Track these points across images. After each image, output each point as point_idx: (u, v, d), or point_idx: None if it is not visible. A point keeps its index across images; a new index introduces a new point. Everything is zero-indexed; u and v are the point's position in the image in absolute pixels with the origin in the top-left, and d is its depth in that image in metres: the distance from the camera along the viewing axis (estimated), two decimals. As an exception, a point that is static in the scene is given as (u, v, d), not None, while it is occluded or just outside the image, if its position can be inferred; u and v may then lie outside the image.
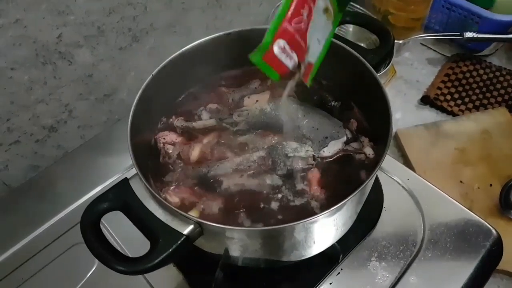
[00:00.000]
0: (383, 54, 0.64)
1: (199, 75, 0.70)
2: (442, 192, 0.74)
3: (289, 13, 0.42)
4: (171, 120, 0.67)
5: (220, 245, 0.54)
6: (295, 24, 0.43)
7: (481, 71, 1.06)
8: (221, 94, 0.70)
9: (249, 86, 0.70)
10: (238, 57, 0.71)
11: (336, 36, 0.65)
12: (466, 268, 0.66)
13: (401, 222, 0.71)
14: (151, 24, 0.84)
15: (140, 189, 0.50)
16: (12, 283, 0.69)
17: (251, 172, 0.59)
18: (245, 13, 1.02)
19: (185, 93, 0.71)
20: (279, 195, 0.57)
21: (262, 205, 0.56)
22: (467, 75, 1.05)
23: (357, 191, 0.48)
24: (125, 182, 0.51)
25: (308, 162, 0.59)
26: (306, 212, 0.55)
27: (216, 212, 0.56)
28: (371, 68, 0.59)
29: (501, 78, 1.05)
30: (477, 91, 1.02)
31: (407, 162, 0.88)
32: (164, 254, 0.46)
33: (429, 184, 0.76)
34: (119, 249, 0.69)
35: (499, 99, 1.00)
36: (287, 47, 0.43)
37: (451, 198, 0.74)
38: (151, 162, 0.62)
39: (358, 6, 1.06)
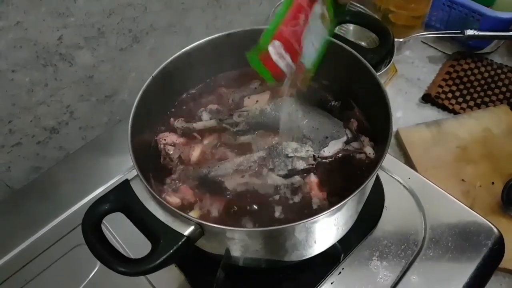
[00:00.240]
0: (382, 53, 0.64)
1: (199, 75, 0.71)
2: (443, 191, 0.74)
3: (287, 16, 0.44)
4: (171, 121, 0.67)
5: (221, 246, 0.55)
6: (291, 27, 0.45)
7: (482, 69, 1.06)
8: (221, 95, 0.70)
9: (249, 87, 0.70)
10: (238, 57, 0.71)
11: (336, 36, 0.65)
12: (467, 267, 0.66)
13: (402, 221, 0.71)
14: (151, 24, 0.84)
15: (141, 190, 0.51)
16: (15, 284, 0.70)
17: (252, 172, 0.59)
18: (245, 13, 1.02)
19: (185, 93, 0.71)
20: (280, 195, 0.57)
21: (262, 206, 0.56)
22: (468, 73, 1.05)
23: (357, 191, 0.48)
24: (126, 184, 0.51)
25: (309, 162, 0.59)
26: (307, 212, 0.56)
27: (216, 212, 0.56)
28: (370, 67, 0.59)
29: (503, 76, 1.04)
30: (479, 89, 1.02)
31: (408, 161, 0.88)
32: (165, 255, 0.46)
33: (430, 183, 0.76)
34: (121, 250, 0.69)
35: (501, 96, 1.00)
36: (281, 48, 0.45)
37: (452, 197, 0.73)
38: (152, 163, 0.63)
39: (359, 5, 1.06)
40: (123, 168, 0.82)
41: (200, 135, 0.65)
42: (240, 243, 0.53)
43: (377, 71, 0.60)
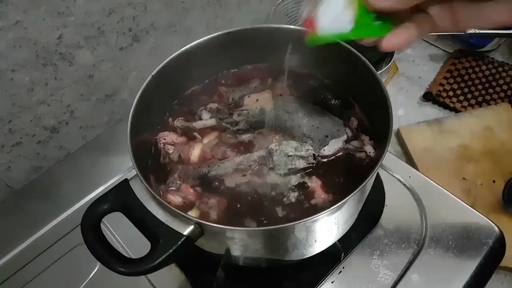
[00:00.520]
0: (382, 52, 0.64)
1: (199, 74, 0.70)
2: (444, 190, 0.74)
3: None
4: (171, 120, 0.67)
5: (221, 245, 0.54)
6: None
7: (484, 67, 1.06)
8: (221, 94, 0.70)
9: (249, 85, 0.69)
10: (238, 56, 0.71)
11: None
12: (468, 266, 0.66)
13: (403, 220, 0.71)
14: (151, 23, 0.84)
15: (140, 190, 0.50)
16: (15, 284, 0.70)
17: (252, 171, 0.59)
18: (245, 11, 1.02)
19: (185, 93, 0.71)
20: (280, 194, 0.57)
21: (262, 205, 0.56)
22: (470, 71, 1.05)
23: (357, 190, 0.48)
24: (125, 183, 0.51)
25: (309, 161, 0.59)
26: (307, 211, 0.55)
27: (216, 212, 0.56)
28: (370, 65, 0.59)
29: (504, 74, 1.04)
30: (480, 87, 1.02)
31: (409, 160, 0.88)
32: (165, 255, 0.46)
33: (431, 181, 0.75)
34: (121, 249, 0.69)
35: (502, 94, 1.00)
36: None
37: (453, 196, 0.73)
38: (151, 162, 0.63)
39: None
40: (123, 167, 0.82)
41: (200, 134, 0.65)
42: (240, 242, 0.52)
43: (378, 70, 0.60)
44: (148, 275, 0.67)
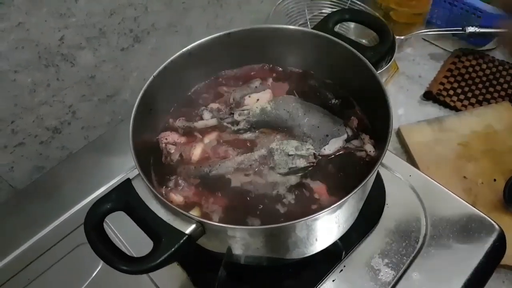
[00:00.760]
0: (382, 52, 0.64)
1: (200, 74, 0.71)
2: (445, 188, 0.74)
3: None
4: (172, 120, 0.67)
5: (223, 244, 0.55)
6: None
7: (484, 66, 1.06)
8: (222, 94, 0.71)
9: (249, 85, 0.70)
10: (238, 56, 0.71)
11: (337, 34, 0.65)
12: (469, 264, 0.66)
13: (404, 218, 0.71)
14: (152, 24, 0.84)
15: (142, 189, 0.51)
16: (19, 283, 0.70)
17: (253, 171, 0.59)
18: (245, 11, 1.02)
19: (186, 93, 0.71)
20: (280, 194, 0.57)
21: (263, 204, 0.56)
22: (470, 69, 1.05)
23: (357, 189, 0.48)
24: (127, 183, 0.52)
25: (309, 160, 0.59)
26: (308, 210, 0.56)
27: (217, 211, 0.56)
28: (370, 65, 0.59)
29: (504, 73, 1.04)
30: (480, 85, 1.02)
31: (410, 158, 0.88)
32: (167, 254, 0.46)
33: (431, 180, 0.76)
34: (123, 248, 0.70)
35: (502, 93, 1.00)
36: None
37: (453, 194, 0.73)
38: (153, 162, 0.63)
39: (359, 3, 1.06)
40: (125, 167, 0.82)
41: (201, 134, 0.65)
42: (241, 241, 0.53)
43: (378, 69, 0.60)
44: (150, 274, 0.67)
